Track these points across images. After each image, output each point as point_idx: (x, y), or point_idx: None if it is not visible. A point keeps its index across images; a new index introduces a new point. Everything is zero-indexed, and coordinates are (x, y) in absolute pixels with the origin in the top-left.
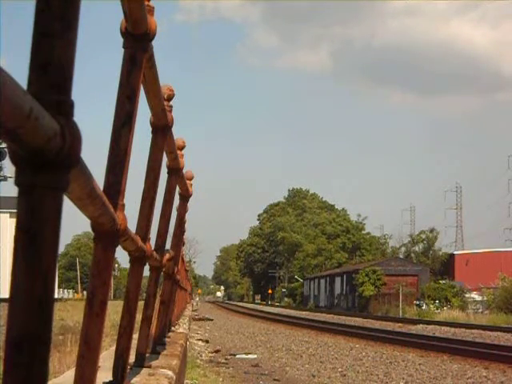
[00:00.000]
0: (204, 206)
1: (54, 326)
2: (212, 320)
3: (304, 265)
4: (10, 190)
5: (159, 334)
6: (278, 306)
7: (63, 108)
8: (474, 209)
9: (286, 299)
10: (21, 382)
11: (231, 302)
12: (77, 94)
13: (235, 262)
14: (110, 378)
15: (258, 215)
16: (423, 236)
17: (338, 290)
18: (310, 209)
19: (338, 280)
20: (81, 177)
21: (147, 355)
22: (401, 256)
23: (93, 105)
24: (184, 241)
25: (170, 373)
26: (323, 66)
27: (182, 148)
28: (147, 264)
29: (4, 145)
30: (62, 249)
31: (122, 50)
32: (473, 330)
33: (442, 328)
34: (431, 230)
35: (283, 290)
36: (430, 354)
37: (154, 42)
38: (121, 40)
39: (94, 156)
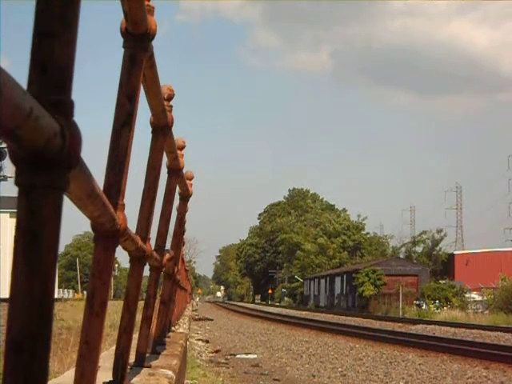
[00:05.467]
0: (204, 206)
1: (54, 325)
2: (212, 320)
3: (305, 264)
4: (10, 189)
5: (159, 334)
6: (278, 306)
7: (63, 108)
8: (474, 209)
9: (286, 299)
10: (21, 382)
11: (231, 302)
12: (77, 93)
13: (235, 262)
14: (109, 378)
15: (259, 214)
16: (425, 236)
17: (337, 290)
18: (311, 209)
19: (337, 280)
20: (81, 177)
21: (147, 355)
22: (401, 256)
23: (93, 105)
24: (184, 241)
25: (170, 373)
26: (323, 66)
27: (182, 148)
28: (147, 264)
29: (4, 145)
30: (62, 249)
31: (122, 49)
32: (473, 330)
33: (442, 328)
34: (439, 231)
35: (283, 289)
36: (430, 353)
37: (154, 42)
38: (121, 40)
39: (94, 156)
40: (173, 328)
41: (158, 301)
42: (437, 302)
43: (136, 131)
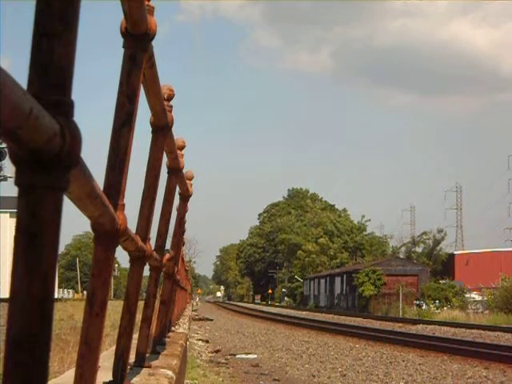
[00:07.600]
0: (204, 206)
1: (55, 325)
2: (212, 320)
3: (305, 263)
4: (10, 189)
5: (159, 334)
6: (277, 306)
7: (63, 108)
8: (474, 209)
9: (286, 299)
10: (21, 382)
11: (231, 302)
12: (77, 94)
13: (235, 262)
14: (110, 377)
15: (259, 214)
16: (425, 237)
17: (338, 290)
18: (311, 209)
19: (337, 280)
20: (81, 177)
21: (147, 355)
22: (401, 256)
23: (93, 105)
24: (184, 241)
25: (169, 373)
26: (324, 66)
27: (182, 148)
28: (147, 264)
29: (4, 145)
30: (62, 249)
31: (122, 49)
32: (473, 330)
33: (442, 328)
34: (439, 231)
35: (283, 290)
36: (430, 353)
37: (154, 42)
38: (121, 40)
39: (94, 156)
40: (173, 328)
41: (158, 301)
42: (437, 302)
43: (136, 131)
